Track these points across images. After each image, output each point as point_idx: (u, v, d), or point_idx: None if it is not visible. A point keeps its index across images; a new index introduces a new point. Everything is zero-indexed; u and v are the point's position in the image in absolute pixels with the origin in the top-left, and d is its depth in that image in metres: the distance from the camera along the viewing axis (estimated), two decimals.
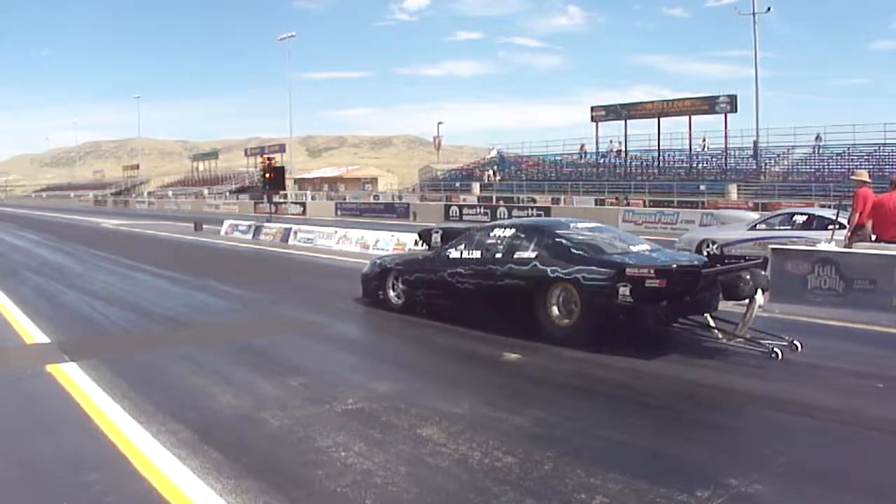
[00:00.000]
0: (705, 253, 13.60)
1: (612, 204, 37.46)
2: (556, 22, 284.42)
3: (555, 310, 7.54)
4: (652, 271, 6.81)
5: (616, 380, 6.23)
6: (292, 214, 44.43)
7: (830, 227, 12.14)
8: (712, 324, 7.50)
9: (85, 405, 5.39)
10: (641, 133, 50.64)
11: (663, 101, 48.16)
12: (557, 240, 7.85)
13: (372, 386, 5.94)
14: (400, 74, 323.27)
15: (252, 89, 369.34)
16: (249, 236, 23.72)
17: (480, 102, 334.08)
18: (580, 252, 7.54)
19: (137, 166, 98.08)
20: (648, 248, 8.02)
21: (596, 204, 38.63)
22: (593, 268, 7.20)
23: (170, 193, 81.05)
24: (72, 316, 9.55)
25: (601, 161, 50.54)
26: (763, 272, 7.59)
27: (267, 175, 27.90)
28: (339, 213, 44.54)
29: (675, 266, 7.05)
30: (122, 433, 4.74)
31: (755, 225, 15.28)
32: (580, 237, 7.95)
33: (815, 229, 13.36)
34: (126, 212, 58.56)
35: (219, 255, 19.68)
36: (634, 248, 7.87)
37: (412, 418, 5.05)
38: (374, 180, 79.92)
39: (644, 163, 48.62)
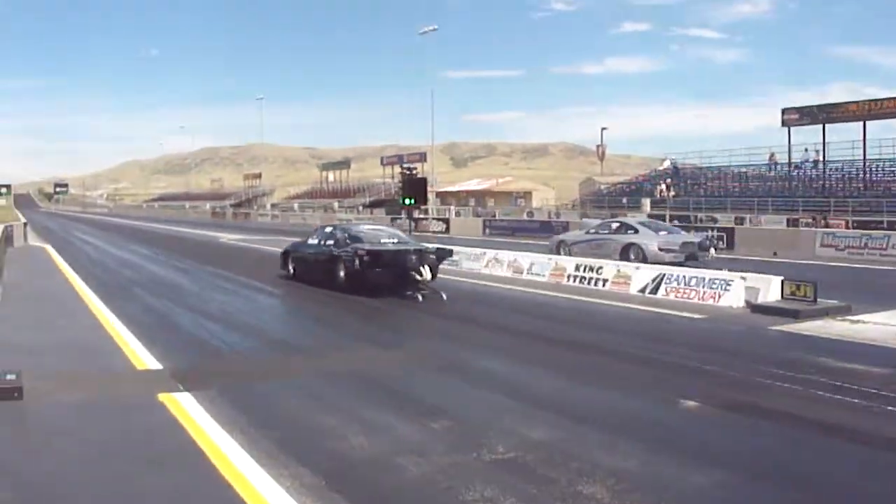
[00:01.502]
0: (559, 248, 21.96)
1: (806, 225, 35.47)
2: (738, 9, 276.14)
3: (341, 273, 14.72)
4: (363, 251, 14.06)
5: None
6: (433, 232, 45.19)
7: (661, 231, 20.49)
8: (419, 279, 14.16)
9: (199, 439, 5.67)
10: (843, 140, 48.18)
11: (870, 100, 45.62)
12: (342, 234, 15.75)
13: (524, 432, 5.93)
14: (557, 73, 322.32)
15: (388, 91, 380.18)
16: None
17: (650, 105, 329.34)
18: (347, 241, 15.09)
19: (259, 175, 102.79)
20: (396, 240, 15.55)
21: (788, 224, 36.62)
22: (348, 250, 14.60)
23: (295, 206, 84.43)
24: (185, 340, 10.15)
25: (794, 173, 48.54)
26: (433, 256, 14.61)
27: (406, 187, 28.50)
28: (486, 231, 44.83)
29: (368, 248, 14.30)
30: (238, 473, 4.95)
31: (589, 230, 22.26)
32: (356, 232, 15.83)
33: (625, 233, 20.45)
34: (247, 225, 61.46)
35: None
36: (383, 240, 15.26)
37: (571, 473, 4.98)
38: (527, 194, 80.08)
39: (847, 175, 46.12)
